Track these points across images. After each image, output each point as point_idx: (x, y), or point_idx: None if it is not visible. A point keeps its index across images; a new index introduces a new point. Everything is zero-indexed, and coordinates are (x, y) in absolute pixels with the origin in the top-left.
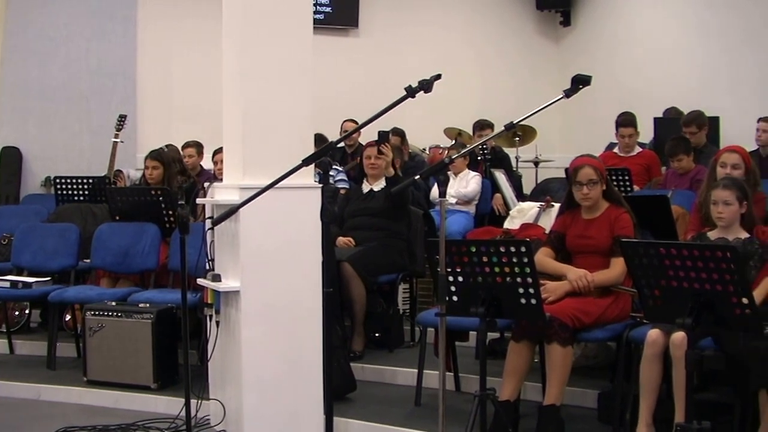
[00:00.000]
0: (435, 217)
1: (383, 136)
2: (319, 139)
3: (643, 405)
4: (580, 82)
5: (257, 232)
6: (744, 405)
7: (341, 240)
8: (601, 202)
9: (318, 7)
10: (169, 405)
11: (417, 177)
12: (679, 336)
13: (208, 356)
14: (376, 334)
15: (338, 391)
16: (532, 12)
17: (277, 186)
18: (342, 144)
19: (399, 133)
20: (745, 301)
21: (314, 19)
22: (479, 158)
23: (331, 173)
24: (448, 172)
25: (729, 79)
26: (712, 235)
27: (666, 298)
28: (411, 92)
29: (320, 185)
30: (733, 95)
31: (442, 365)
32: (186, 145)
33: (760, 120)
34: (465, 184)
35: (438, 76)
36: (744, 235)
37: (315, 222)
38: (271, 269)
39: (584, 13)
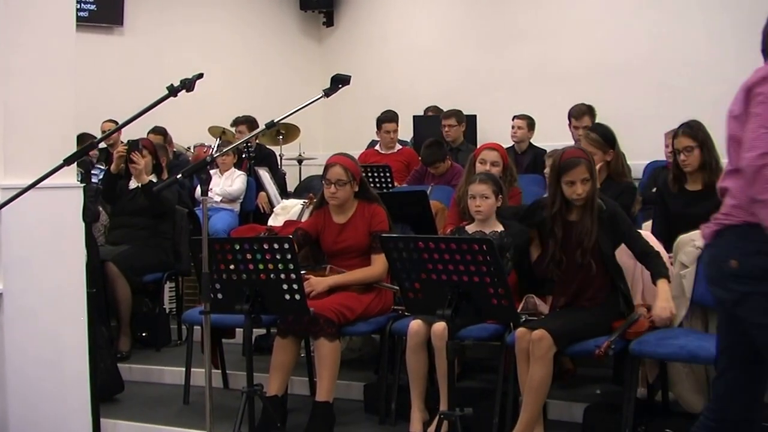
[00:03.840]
0: (200, 215)
1: (133, 145)
2: (82, 138)
3: (413, 393)
4: (339, 81)
5: (19, 234)
6: (504, 391)
7: None
8: (351, 202)
9: (81, 4)
10: None
11: (178, 176)
12: (439, 327)
13: None
14: (143, 334)
15: (105, 393)
16: (296, 12)
17: (38, 186)
18: (104, 144)
19: (161, 131)
20: (501, 291)
21: (78, 17)
22: (243, 156)
23: (94, 172)
24: (214, 171)
25: (485, 79)
26: (470, 228)
27: (426, 290)
28: (173, 91)
29: (82, 185)
30: (489, 94)
31: (208, 363)
32: None
33: (515, 118)
34: (230, 182)
35: (200, 75)
36: (500, 228)
37: (77, 222)
38: (33, 271)
39: (347, 13)
